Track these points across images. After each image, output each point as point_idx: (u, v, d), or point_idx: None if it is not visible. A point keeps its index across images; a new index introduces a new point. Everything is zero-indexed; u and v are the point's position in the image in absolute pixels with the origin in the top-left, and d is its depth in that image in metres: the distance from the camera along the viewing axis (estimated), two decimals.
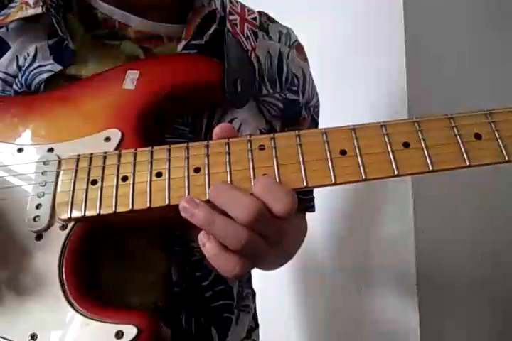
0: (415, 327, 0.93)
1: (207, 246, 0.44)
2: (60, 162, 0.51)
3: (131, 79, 0.56)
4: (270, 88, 0.66)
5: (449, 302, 0.97)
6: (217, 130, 0.48)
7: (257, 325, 0.71)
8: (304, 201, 0.74)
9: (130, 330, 0.44)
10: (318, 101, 0.76)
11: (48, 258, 0.48)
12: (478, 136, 0.44)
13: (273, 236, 0.44)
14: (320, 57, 0.85)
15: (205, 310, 0.58)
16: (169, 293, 0.56)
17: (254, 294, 0.71)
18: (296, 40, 0.73)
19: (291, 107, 0.69)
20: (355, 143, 0.45)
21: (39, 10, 0.57)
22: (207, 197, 0.45)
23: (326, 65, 1.03)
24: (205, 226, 0.43)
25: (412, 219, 0.94)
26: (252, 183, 0.45)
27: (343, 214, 1.10)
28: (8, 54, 0.59)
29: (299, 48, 0.73)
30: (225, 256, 0.43)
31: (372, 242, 1.02)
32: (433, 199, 0.97)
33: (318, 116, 0.76)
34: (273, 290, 1.17)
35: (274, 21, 0.73)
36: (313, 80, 0.75)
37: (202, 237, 0.44)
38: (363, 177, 0.44)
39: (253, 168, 0.45)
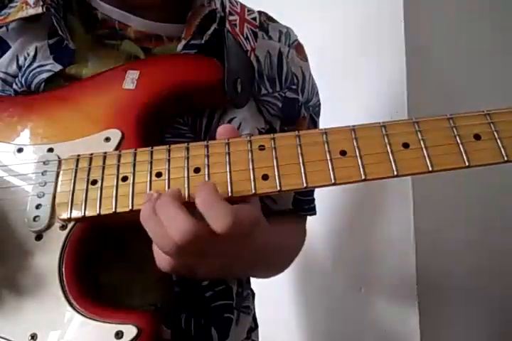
0: (415, 327, 0.93)
1: None
2: (60, 162, 0.51)
3: (131, 79, 0.56)
4: (270, 87, 0.66)
5: (449, 303, 0.97)
6: (220, 130, 0.48)
7: (256, 326, 0.71)
8: (303, 203, 0.73)
9: (130, 330, 0.44)
10: (318, 101, 0.76)
11: (47, 259, 0.48)
12: (477, 137, 0.44)
13: (214, 252, 0.44)
14: (320, 57, 0.85)
15: (205, 311, 0.58)
16: (169, 293, 0.56)
17: (253, 295, 0.71)
18: (296, 40, 0.73)
19: (291, 106, 0.69)
20: (355, 144, 0.45)
21: (39, 10, 0.57)
22: None
23: (325, 64, 1.03)
24: (142, 221, 0.44)
25: (412, 219, 0.94)
26: (252, 184, 0.45)
27: (343, 214, 1.10)
28: (9, 54, 0.59)
29: (299, 48, 0.73)
30: (159, 252, 0.44)
31: (373, 242, 1.02)
32: (433, 199, 0.97)
33: (318, 116, 0.76)
34: (273, 290, 1.17)
35: (274, 21, 0.73)
36: (313, 80, 0.75)
37: None
38: (363, 177, 0.44)
39: (253, 169, 0.45)
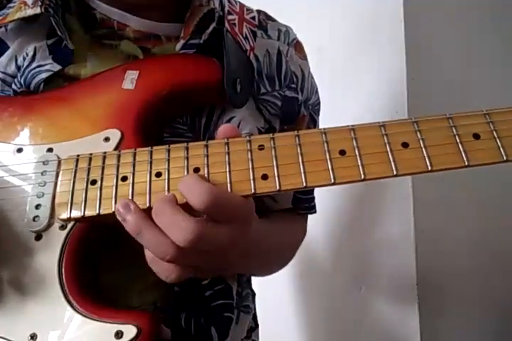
0: (415, 327, 0.93)
1: (146, 253, 0.45)
2: (59, 162, 0.51)
3: (130, 79, 0.56)
4: (269, 86, 0.66)
5: (449, 303, 0.97)
6: (221, 129, 0.48)
7: (256, 325, 0.71)
8: (304, 201, 0.73)
9: (130, 330, 0.44)
10: (318, 99, 0.76)
11: (47, 259, 0.48)
12: (476, 136, 0.44)
13: (216, 248, 0.43)
14: (319, 56, 0.85)
15: (205, 310, 0.58)
16: (169, 293, 0.56)
17: (254, 295, 0.71)
18: (295, 38, 0.73)
19: (290, 105, 0.69)
20: (355, 143, 0.45)
21: (37, 10, 0.57)
22: None
23: (325, 64, 1.03)
24: (133, 234, 0.43)
25: (412, 219, 0.94)
26: (252, 184, 0.45)
27: (343, 214, 1.10)
28: (7, 54, 0.59)
29: (298, 46, 0.73)
30: (160, 264, 0.44)
31: (372, 242, 1.02)
32: (433, 199, 0.97)
33: (317, 115, 0.76)
34: (273, 290, 1.17)
35: (272, 20, 0.73)
36: (313, 78, 0.75)
37: None
38: (362, 177, 0.44)
39: (252, 168, 0.45)
